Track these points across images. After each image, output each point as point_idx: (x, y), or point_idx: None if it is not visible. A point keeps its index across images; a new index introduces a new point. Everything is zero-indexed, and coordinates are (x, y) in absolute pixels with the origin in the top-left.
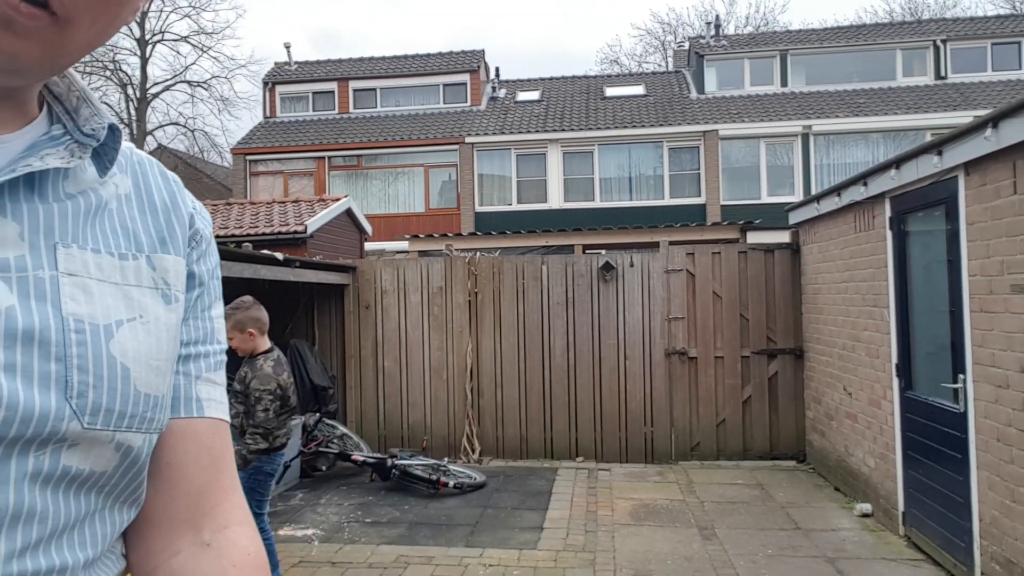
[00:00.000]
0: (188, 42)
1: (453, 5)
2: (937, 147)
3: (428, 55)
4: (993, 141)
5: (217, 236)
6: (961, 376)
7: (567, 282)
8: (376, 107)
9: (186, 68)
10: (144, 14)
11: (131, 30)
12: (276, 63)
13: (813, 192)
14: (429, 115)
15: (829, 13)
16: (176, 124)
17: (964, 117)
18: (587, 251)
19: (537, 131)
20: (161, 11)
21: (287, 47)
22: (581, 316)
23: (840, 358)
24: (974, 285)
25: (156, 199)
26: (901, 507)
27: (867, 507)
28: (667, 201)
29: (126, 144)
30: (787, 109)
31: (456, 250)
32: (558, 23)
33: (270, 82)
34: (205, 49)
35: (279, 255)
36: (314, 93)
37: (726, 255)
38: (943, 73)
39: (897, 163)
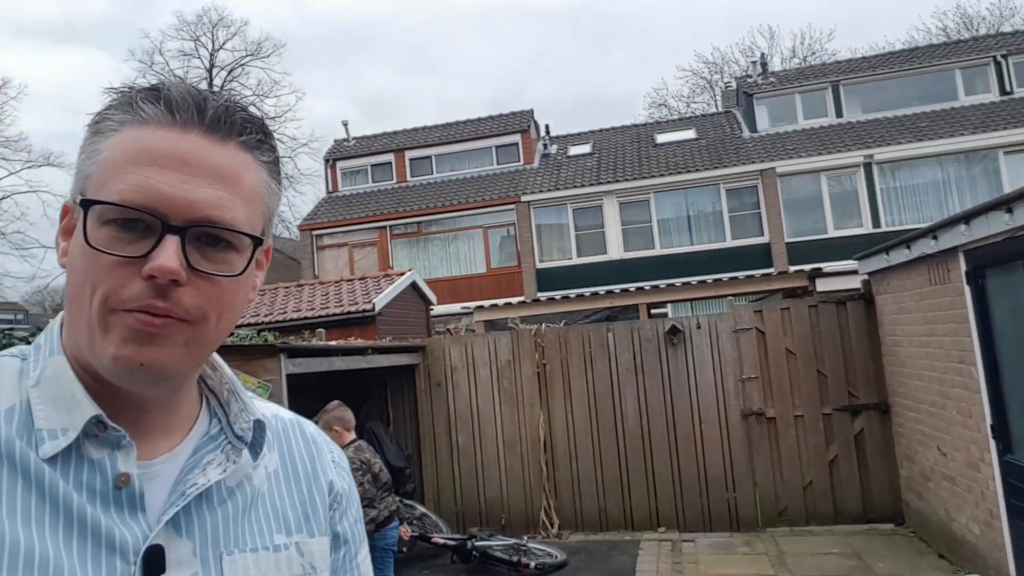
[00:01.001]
0: None
1: (489, 57)
2: (1007, 204)
3: (479, 119)
4: None
5: (291, 320)
6: None
7: (634, 348)
8: (432, 173)
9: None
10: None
11: None
12: (336, 140)
13: (882, 221)
14: (484, 177)
15: (880, 36)
16: None
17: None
18: (651, 309)
19: (591, 184)
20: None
21: (345, 124)
22: (651, 381)
23: (930, 415)
24: None
25: (299, 469)
26: None
27: None
28: (729, 243)
29: (271, 413)
30: (845, 140)
31: (520, 322)
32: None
33: (331, 159)
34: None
35: (356, 342)
36: (372, 165)
37: (795, 310)
38: (1008, 88)
39: (966, 218)
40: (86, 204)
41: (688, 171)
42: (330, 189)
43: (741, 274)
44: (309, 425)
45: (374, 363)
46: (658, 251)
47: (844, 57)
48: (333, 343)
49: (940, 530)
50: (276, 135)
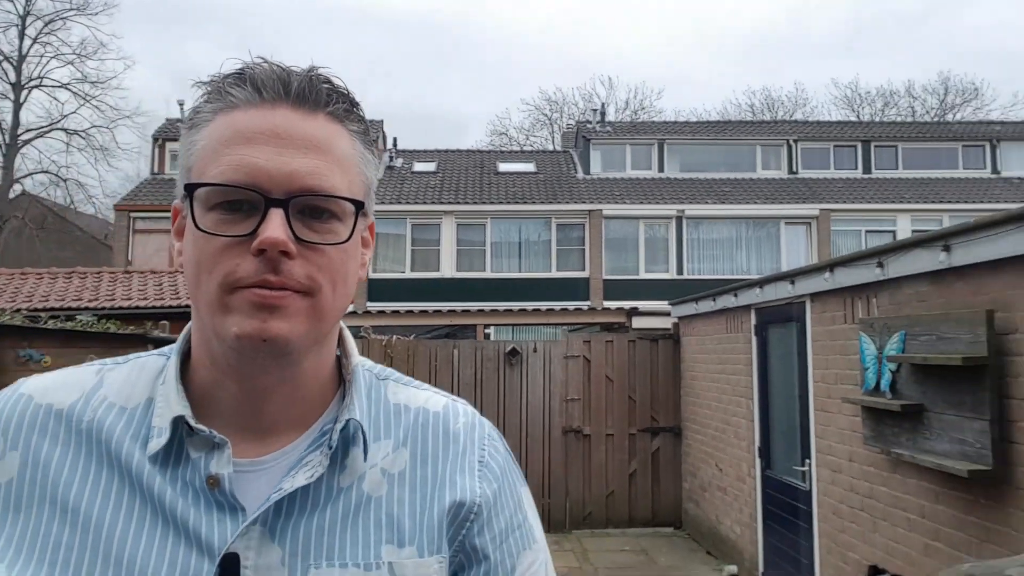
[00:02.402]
0: (69, 89)
1: (323, 54)
2: (791, 277)
3: None
4: (830, 281)
5: (123, 308)
6: (807, 461)
7: (476, 365)
8: None
9: (64, 116)
10: (23, 57)
11: (5, 73)
12: (168, 119)
13: (685, 269)
14: None
15: (699, 102)
16: (47, 172)
17: (811, 209)
18: (485, 328)
19: (433, 202)
20: (42, 56)
21: (181, 104)
22: (488, 396)
23: (713, 438)
24: (817, 389)
25: (428, 472)
26: (761, 568)
27: (734, 568)
28: (554, 274)
29: (417, 404)
30: (663, 193)
31: (372, 331)
32: (437, 85)
33: (160, 138)
34: (88, 98)
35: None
36: None
37: (617, 343)
38: (795, 168)
39: (761, 284)
40: (190, 189)
41: (525, 202)
42: (155, 170)
43: (569, 305)
44: (463, 417)
45: None
46: (488, 274)
47: (670, 116)
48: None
49: (710, 531)
50: (94, 102)
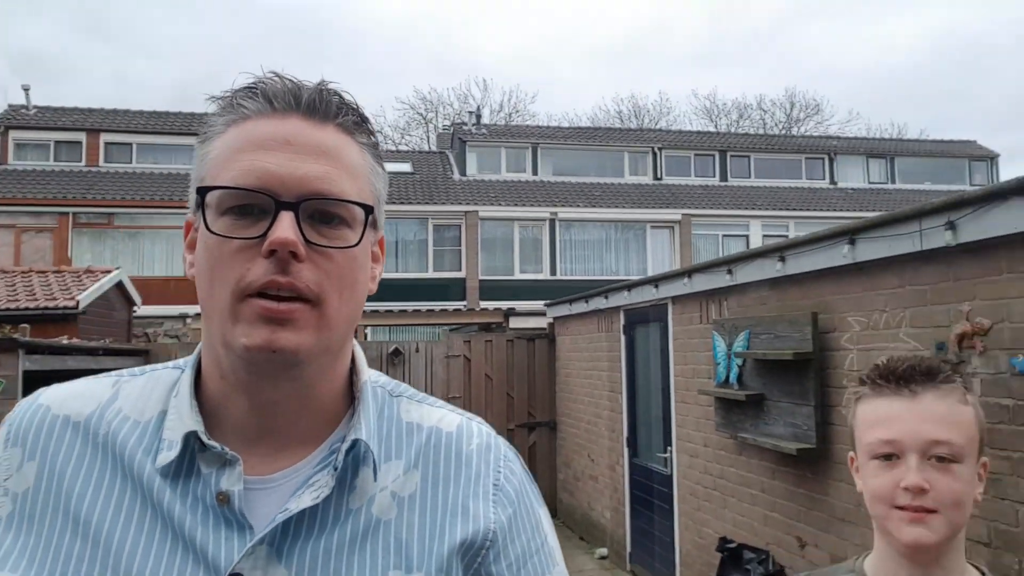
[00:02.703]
0: None
1: (182, 36)
2: (655, 281)
3: (193, 114)
4: (689, 286)
5: None
6: (669, 448)
7: None
8: (131, 162)
9: None
10: None
11: None
12: (11, 105)
13: (558, 270)
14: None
15: (570, 106)
16: None
17: (674, 214)
18: (367, 327)
19: None
20: None
21: (26, 89)
22: None
23: (586, 431)
24: (677, 383)
25: (439, 496)
26: (629, 548)
27: (604, 551)
28: (431, 274)
29: (430, 424)
30: (537, 196)
31: None
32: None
33: (2, 125)
34: None
35: (88, 343)
36: (57, 142)
37: (496, 342)
38: (659, 175)
39: (629, 287)
40: (202, 192)
41: (402, 202)
42: None
43: (447, 305)
44: (477, 438)
45: (103, 365)
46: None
47: (543, 120)
48: (67, 341)
49: (583, 518)
50: None
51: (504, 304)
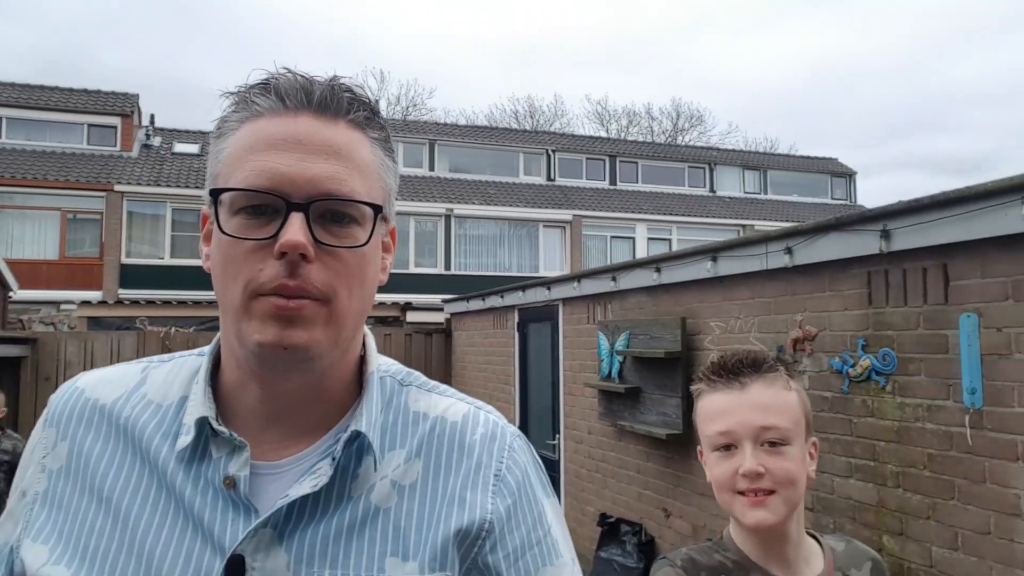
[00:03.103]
0: None
1: (44, 4)
2: (548, 284)
3: (72, 90)
4: (578, 290)
5: None
6: (557, 435)
7: None
8: (1, 138)
9: None
10: None
11: None
12: None
13: (453, 264)
14: (71, 156)
15: (468, 103)
16: None
17: (566, 214)
18: None
19: (197, 187)
20: None
21: None
22: None
23: None
24: (565, 377)
25: (440, 485)
26: None
27: None
28: None
29: (436, 413)
30: (433, 192)
31: (148, 322)
32: (190, 55)
33: None
34: None
35: None
36: None
37: (395, 336)
38: (552, 176)
39: (524, 288)
40: (215, 194)
41: None
42: None
43: None
44: (482, 428)
45: None
46: None
47: (440, 116)
48: None
49: None
50: None
51: (400, 297)
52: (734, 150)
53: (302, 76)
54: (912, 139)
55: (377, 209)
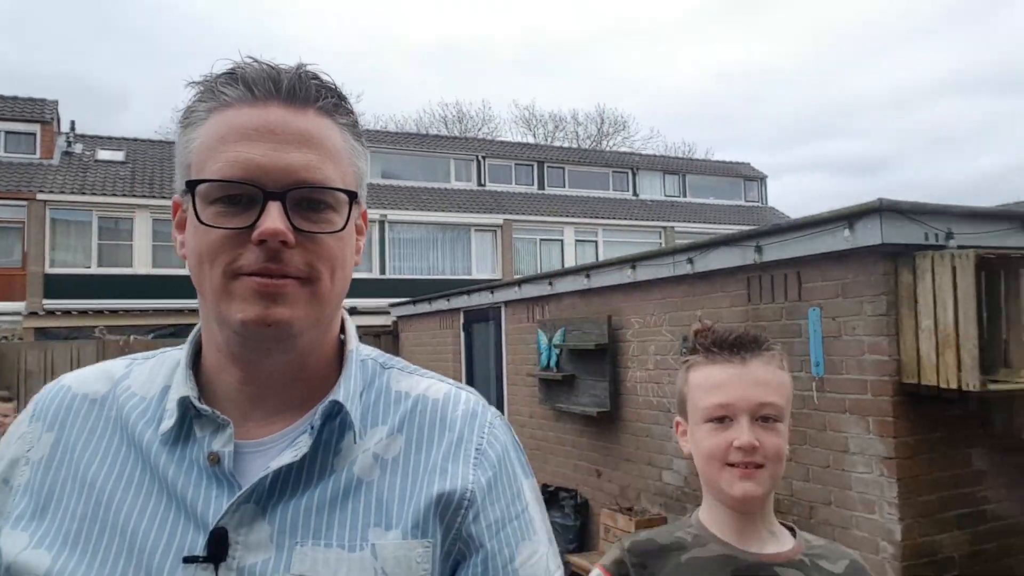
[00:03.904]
0: None
1: None
2: (491, 288)
3: None
4: (519, 293)
5: None
6: None
7: None
8: None
9: None
10: None
11: None
12: None
13: (388, 268)
14: None
15: (397, 107)
16: None
17: (497, 219)
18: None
19: (124, 195)
20: None
21: None
22: None
23: None
24: (508, 369)
25: (422, 459)
26: None
27: None
28: None
29: (417, 392)
30: (367, 198)
31: (106, 331)
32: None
33: None
34: None
35: None
36: None
37: None
38: (483, 181)
39: (469, 292)
40: (191, 185)
41: None
42: None
43: None
44: (463, 405)
45: None
46: (187, 271)
47: (369, 121)
48: None
49: None
50: None
51: (348, 302)
52: (655, 155)
53: (268, 65)
54: (818, 142)
55: (352, 195)
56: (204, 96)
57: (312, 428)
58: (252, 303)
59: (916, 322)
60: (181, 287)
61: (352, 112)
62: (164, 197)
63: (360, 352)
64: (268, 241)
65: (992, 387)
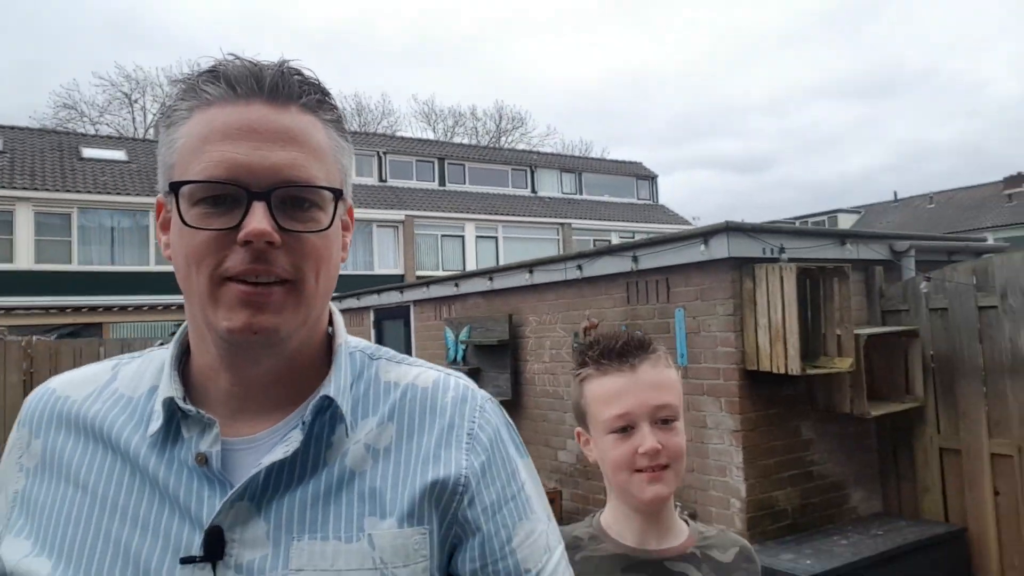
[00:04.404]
0: None
1: None
2: (400, 288)
3: None
4: (426, 293)
5: None
6: None
7: None
8: None
9: None
10: None
11: None
12: None
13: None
14: None
15: None
16: None
17: (398, 214)
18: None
19: (3, 187)
20: None
21: None
22: None
23: None
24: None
25: (415, 447)
26: None
27: None
28: (152, 267)
29: (407, 381)
30: None
31: (7, 331)
32: None
33: None
34: None
35: None
36: None
37: None
38: (384, 177)
39: (379, 291)
40: (175, 187)
41: (118, 192)
42: None
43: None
44: (453, 391)
45: None
46: (76, 267)
47: None
48: None
49: None
50: None
51: None
52: (553, 154)
53: (250, 62)
54: (705, 141)
55: (337, 193)
56: (186, 95)
57: (303, 423)
58: (238, 311)
59: (755, 320)
60: (72, 283)
61: (336, 108)
62: (47, 189)
63: (348, 344)
64: (254, 242)
65: (810, 371)
